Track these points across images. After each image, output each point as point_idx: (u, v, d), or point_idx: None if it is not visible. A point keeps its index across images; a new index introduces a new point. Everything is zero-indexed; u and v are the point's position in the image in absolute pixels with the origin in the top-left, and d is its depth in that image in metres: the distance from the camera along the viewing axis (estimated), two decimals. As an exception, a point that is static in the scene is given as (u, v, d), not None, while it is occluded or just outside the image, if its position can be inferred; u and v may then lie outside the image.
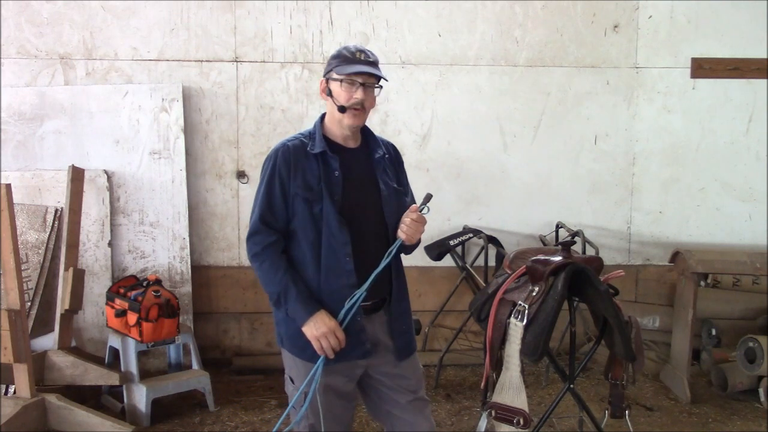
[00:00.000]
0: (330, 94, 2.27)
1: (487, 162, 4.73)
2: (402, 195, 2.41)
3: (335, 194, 2.24)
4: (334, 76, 2.25)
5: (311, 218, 2.24)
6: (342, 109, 2.25)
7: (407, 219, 2.27)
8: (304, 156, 2.27)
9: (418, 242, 2.40)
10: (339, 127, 2.31)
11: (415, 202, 2.55)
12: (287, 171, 2.25)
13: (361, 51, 2.27)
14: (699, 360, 4.55)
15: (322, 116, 2.37)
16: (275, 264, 2.25)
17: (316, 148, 2.27)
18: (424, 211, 2.30)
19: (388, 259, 2.24)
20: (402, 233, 2.26)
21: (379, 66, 2.30)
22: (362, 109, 2.26)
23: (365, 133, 2.42)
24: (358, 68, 2.22)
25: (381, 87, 2.31)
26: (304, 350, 2.28)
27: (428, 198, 2.33)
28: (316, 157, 2.27)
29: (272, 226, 2.26)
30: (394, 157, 2.46)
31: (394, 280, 2.35)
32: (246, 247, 2.31)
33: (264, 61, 4.55)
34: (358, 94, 2.23)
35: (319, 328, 2.20)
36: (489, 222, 4.72)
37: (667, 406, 4.05)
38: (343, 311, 2.22)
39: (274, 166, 2.27)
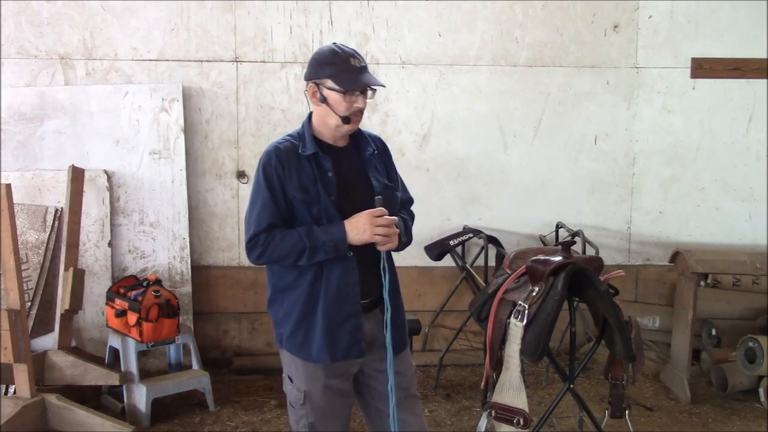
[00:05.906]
0: (325, 100, 2.24)
1: (487, 162, 4.73)
2: (393, 190, 2.40)
3: (332, 194, 2.25)
4: (333, 86, 2.21)
5: (311, 220, 2.24)
6: (347, 120, 2.24)
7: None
8: (296, 158, 2.26)
9: (408, 239, 2.41)
10: (332, 130, 2.30)
11: (408, 193, 2.57)
12: (283, 173, 2.24)
13: (354, 56, 2.24)
14: (699, 360, 4.55)
15: (310, 116, 2.35)
16: (285, 231, 2.21)
17: (308, 150, 2.26)
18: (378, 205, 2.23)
19: (386, 276, 2.25)
20: (379, 246, 2.23)
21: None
22: (361, 114, 2.28)
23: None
24: (362, 82, 2.22)
25: (375, 90, 2.30)
26: (303, 349, 2.29)
27: (378, 202, 2.24)
28: (308, 158, 2.26)
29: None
30: (382, 152, 2.45)
31: (384, 279, 2.31)
32: (249, 255, 2.24)
33: (264, 61, 4.55)
34: (360, 103, 2.24)
35: (361, 229, 2.18)
36: (489, 222, 4.72)
37: (667, 406, 4.05)
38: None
39: (271, 170, 2.24)
